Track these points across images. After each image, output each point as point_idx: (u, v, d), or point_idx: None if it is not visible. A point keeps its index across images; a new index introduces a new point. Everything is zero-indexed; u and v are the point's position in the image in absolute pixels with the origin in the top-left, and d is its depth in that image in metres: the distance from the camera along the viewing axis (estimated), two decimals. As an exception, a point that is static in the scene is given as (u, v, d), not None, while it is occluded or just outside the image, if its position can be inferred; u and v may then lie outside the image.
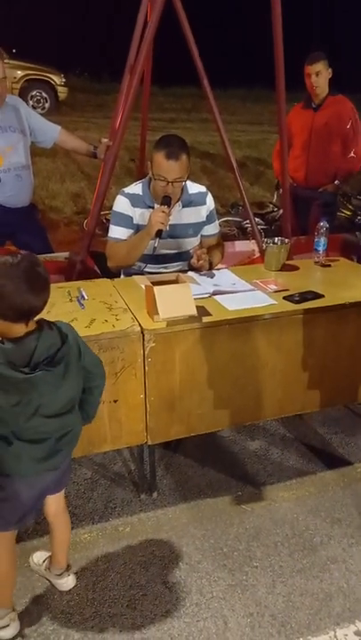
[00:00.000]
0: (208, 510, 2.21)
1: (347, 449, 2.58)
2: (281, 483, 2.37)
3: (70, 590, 1.86)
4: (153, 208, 2.40)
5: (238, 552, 2.03)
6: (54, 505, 1.77)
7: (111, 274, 2.61)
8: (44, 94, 10.10)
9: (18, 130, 2.90)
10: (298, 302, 2.19)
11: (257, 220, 5.45)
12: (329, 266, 2.66)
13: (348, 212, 5.81)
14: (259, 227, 5.26)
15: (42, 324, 1.51)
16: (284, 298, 2.22)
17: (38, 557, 1.92)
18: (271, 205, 5.80)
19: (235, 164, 3.22)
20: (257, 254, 3.23)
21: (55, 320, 1.60)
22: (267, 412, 2.29)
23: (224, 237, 5.08)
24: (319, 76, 3.67)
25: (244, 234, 5.18)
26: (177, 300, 1.95)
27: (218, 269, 2.59)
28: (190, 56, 2.92)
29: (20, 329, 1.45)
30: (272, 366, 2.18)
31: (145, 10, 2.70)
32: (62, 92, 10.43)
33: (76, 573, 1.90)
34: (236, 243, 3.61)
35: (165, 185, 2.33)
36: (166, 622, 1.76)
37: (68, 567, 1.87)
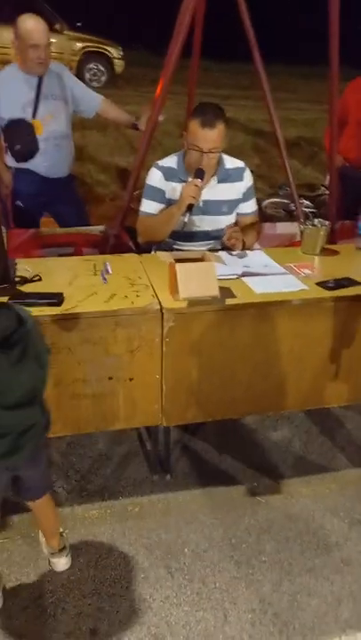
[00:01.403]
0: (221, 498, 2.15)
1: (375, 448, 2.44)
2: (300, 477, 2.27)
3: (73, 564, 1.85)
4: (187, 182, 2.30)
5: (247, 544, 1.96)
6: (31, 503, 1.75)
7: (145, 250, 2.55)
8: (101, 67, 10.03)
9: (60, 97, 2.86)
10: (331, 289, 2.05)
11: (306, 202, 5.25)
12: (372, 252, 2.49)
13: None
14: (308, 209, 5.07)
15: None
16: (318, 283, 2.09)
17: None
18: (323, 188, 5.56)
19: (281, 142, 3.05)
20: (298, 238, 3.08)
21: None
22: (290, 402, 2.18)
23: (270, 219, 4.92)
24: None
25: (291, 216, 5.00)
26: (199, 279, 1.86)
27: (252, 250, 2.47)
28: (240, 29, 2.76)
29: None
30: (298, 355, 2.07)
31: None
32: (119, 66, 10.33)
33: (80, 549, 1.90)
34: (278, 224, 3.46)
35: (200, 155, 2.22)
36: (164, 608, 1.72)
37: (62, 549, 1.84)
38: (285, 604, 1.76)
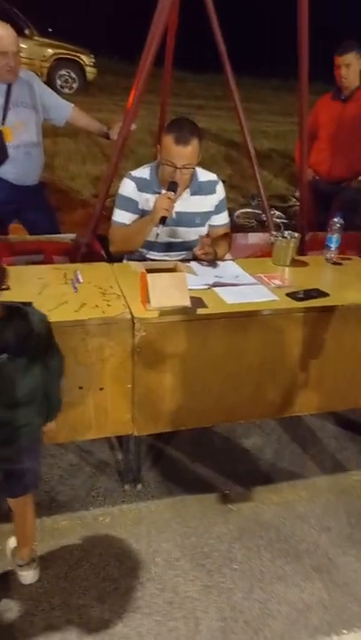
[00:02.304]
0: (193, 507, 2.15)
1: (344, 454, 2.48)
2: (271, 484, 2.29)
3: (42, 577, 1.82)
4: (160, 194, 2.32)
5: (219, 552, 1.96)
6: (13, 501, 1.75)
7: (117, 258, 2.55)
8: (73, 74, 10.01)
9: (30, 106, 2.85)
10: (301, 300, 2.09)
11: (278, 213, 5.33)
12: (340, 264, 2.55)
13: (373, 210, 5.62)
14: (280, 220, 5.15)
15: (13, 312, 1.47)
16: (287, 294, 2.13)
17: (12, 542, 1.88)
18: (294, 199, 5.66)
19: (252, 153, 3.11)
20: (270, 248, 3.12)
21: (38, 306, 1.55)
22: (261, 411, 2.22)
23: (241, 229, 4.98)
24: (350, 67, 3.49)
25: (262, 226, 5.07)
26: (170, 289, 1.88)
27: (224, 261, 2.50)
28: (214, 41, 2.81)
29: None
30: (269, 364, 2.10)
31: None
32: (91, 73, 10.34)
33: (49, 561, 1.87)
34: (250, 235, 3.51)
35: (173, 171, 2.25)
36: (135, 619, 1.71)
37: (31, 562, 1.81)
38: (256, 611, 1.77)
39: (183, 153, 2.21)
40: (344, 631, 1.72)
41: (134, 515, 2.09)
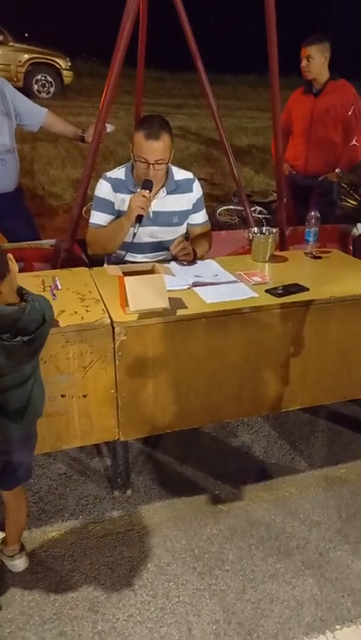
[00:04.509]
0: (183, 509, 2.14)
1: (332, 448, 2.48)
2: (261, 482, 2.28)
3: (33, 590, 1.80)
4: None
5: (210, 554, 1.95)
6: (8, 494, 1.77)
7: (99, 262, 2.53)
8: (50, 78, 9.96)
9: (2, 112, 2.81)
10: (280, 295, 2.08)
11: (260, 209, 5.32)
12: (320, 258, 2.54)
13: (354, 202, 5.64)
14: (261, 216, 5.15)
15: (27, 298, 1.53)
16: (267, 291, 2.12)
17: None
18: (275, 194, 5.66)
19: (229, 151, 3.10)
20: (251, 244, 3.12)
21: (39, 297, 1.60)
22: (246, 409, 2.20)
23: (224, 226, 4.96)
24: (310, 60, 3.46)
25: (245, 223, 5.06)
26: (149, 291, 1.86)
27: (203, 260, 2.49)
28: (185, 39, 2.79)
29: None
30: (252, 362, 2.09)
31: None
32: (68, 77, 10.30)
33: (39, 573, 1.85)
34: (232, 232, 3.51)
35: (147, 167, 2.23)
36: (128, 627, 1.69)
37: (21, 549, 1.85)
38: (249, 612, 1.76)
39: (155, 148, 2.20)
40: (337, 627, 1.71)
41: (124, 521, 2.07)
